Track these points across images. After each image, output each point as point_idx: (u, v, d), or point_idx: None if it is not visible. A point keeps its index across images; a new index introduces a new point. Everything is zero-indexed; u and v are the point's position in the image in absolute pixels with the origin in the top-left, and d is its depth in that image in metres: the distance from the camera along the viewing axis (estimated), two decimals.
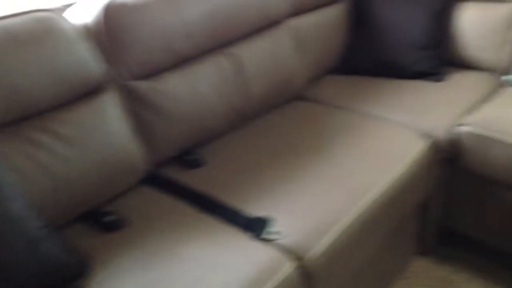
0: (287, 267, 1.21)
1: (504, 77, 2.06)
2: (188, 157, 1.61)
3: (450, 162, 1.77)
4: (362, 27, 2.19)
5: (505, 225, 1.75)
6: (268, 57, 1.86)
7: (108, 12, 1.46)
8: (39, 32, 1.31)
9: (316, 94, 2.04)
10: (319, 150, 1.61)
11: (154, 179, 1.55)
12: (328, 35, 2.17)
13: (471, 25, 2.07)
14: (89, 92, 1.42)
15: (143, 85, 1.53)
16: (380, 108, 1.88)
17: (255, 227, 1.30)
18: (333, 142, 1.65)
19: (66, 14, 1.48)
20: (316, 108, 1.92)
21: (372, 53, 2.12)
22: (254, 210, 1.36)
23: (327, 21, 2.16)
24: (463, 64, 2.13)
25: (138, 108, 1.53)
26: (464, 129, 1.72)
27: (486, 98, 1.92)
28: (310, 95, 2.04)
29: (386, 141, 1.66)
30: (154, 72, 1.56)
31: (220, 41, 1.72)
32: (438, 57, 2.07)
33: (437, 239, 1.95)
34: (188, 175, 1.55)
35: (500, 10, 2.03)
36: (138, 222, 1.36)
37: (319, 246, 1.27)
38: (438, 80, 2.03)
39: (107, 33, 1.46)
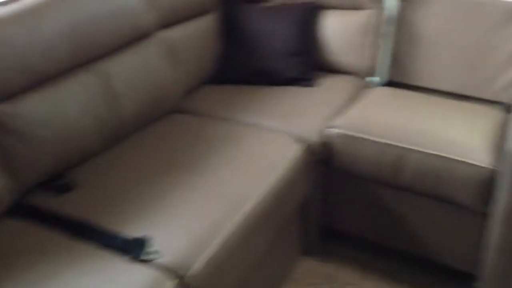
0: (168, 287, 1.18)
1: (367, 79, 2.21)
2: (57, 182, 1.51)
3: (324, 163, 1.85)
4: (234, 37, 2.22)
5: (378, 219, 1.87)
6: (138, 71, 1.81)
7: None
8: None
9: (193, 106, 2.03)
10: (197, 163, 1.60)
11: (21, 209, 1.44)
12: (201, 45, 2.17)
13: (334, 32, 2.20)
14: None
15: None
16: (256, 115, 1.91)
17: (133, 249, 1.25)
18: (211, 153, 1.65)
19: None
20: (193, 120, 1.91)
21: (245, 62, 2.16)
22: (131, 231, 1.31)
23: (199, 32, 2.17)
24: (331, 69, 2.24)
25: None
26: (334, 131, 1.81)
27: (353, 99, 2.04)
28: (187, 107, 2.02)
29: (262, 148, 1.70)
30: (11, 93, 1.44)
31: (84, 57, 1.64)
32: (308, 63, 2.17)
33: (320, 238, 2.03)
34: (59, 201, 1.45)
35: (357, 17, 2.18)
36: (4, 257, 1.25)
37: (199, 262, 1.25)
38: (309, 85, 2.12)
39: None
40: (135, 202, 1.42)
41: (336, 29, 2.20)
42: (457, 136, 1.69)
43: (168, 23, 2.02)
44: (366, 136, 1.76)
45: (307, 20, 2.20)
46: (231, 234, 1.35)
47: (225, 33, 2.25)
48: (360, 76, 2.22)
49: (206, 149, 1.68)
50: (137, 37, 1.85)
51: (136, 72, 1.80)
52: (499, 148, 1.64)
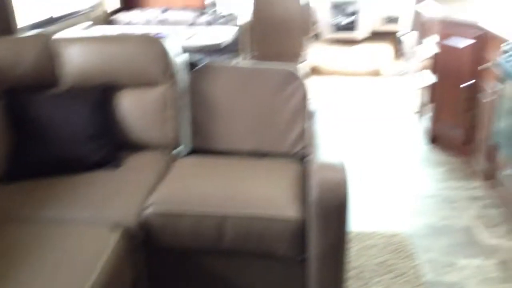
0: None
1: (175, 151, 2.24)
2: None
3: (146, 244, 1.80)
4: (25, 129, 2.05)
5: (209, 286, 1.87)
6: None
7: None
8: None
9: None
10: (1, 277, 1.41)
11: None
12: None
13: (133, 110, 2.19)
14: None
15: None
16: (63, 209, 1.78)
17: None
18: (16, 263, 1.47)
19: None
20: None
21: (42, 153, 2.01)
22: None
23: None
24: (137, 147, 2.21)
25: None
26: (148, 211, 1.78)
27: (163, 175, 2.03)
28: None
29: (76, 244, 1.58)
30: None
31: None
32: (110, 145, 2.11)
33: None
34: None
35: (153, 93, 2.22)
36: None
37: None
38: (115, 167, 2.06)
39: None
40: None
41: (134, 107, 2.20)
42: (264, 194, 1.81)
43: None
44: (179, 210, 1.77)
45: (102, 102, 2.16)
46: None
47: (14, 126, 2.06)
48: (166, 149, 2.24)
49: (7, 260, 1.48)
50: None
51: None
52: (303, 198, 1.80)
